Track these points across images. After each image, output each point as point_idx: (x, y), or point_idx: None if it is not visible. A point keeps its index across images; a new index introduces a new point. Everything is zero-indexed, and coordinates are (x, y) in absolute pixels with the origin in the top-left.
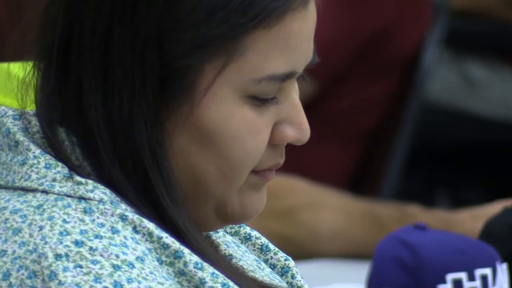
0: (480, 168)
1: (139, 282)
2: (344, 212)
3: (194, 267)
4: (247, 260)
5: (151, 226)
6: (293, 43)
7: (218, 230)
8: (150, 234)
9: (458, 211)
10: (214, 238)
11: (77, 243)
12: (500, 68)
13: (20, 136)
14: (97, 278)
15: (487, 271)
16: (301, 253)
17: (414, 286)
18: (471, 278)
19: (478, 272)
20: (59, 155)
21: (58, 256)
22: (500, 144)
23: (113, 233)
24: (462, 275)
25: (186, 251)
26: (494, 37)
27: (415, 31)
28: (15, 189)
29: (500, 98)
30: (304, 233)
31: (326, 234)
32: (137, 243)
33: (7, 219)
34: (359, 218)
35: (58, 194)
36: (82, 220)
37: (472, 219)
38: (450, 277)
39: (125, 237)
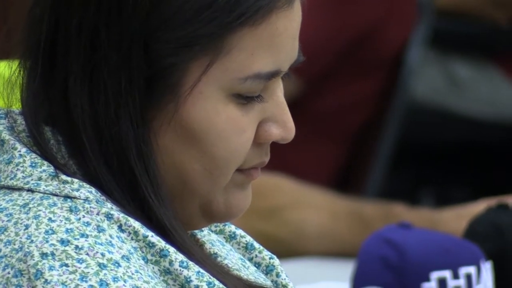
0: (465, 167)
1: (124, 281)
2: (329, 211)
3: (180, 266)
4: (232, 258)
5: (136, 225)
6: (278, 41)
7: (203, 229)
8: (136, 233)
9: (442, 210)
10: (199, 236)
11: (63, 241)
12: (485, 68)
13: (5, 135)
14: (83, 277)
15: (472, 269)
16: (286, 252)
17: (399, 285)
18: (456, 276)
19: (463, 270)
20: (45, 154)
21: (44, 255)
22: (485, 143)
23: (99, 231)
24: (447, 274)
25: (171, 250)
26: (479, 37)
27: (400, 30)
28: (1, 187)
29: (485, 98)
30: (289, 232)
31: (311, 232)
32: (122, 242)
33: None
34: (345, 217)
35: (44, 193)
36: (67, 219)
37: (457, 218)
38: (435, 275)
39: (110, 236)
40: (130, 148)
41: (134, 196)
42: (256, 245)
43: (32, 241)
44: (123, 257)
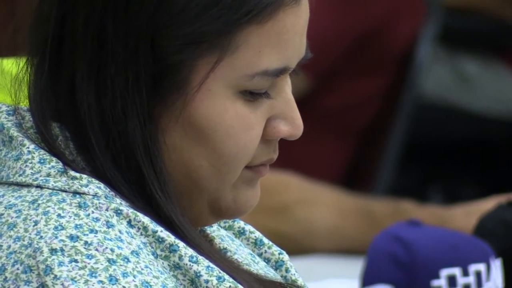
0: (474, 163)
1: (134, 276)
2: (338, 208)
3: (189, 261)
4: (241, 254)
5: (145, 220)
6: (286, 38)
7: (212, 225)
8: (145, 228)
9: (451, 207)
10: (208, 232)
11: (72, 237)
12: (493, 65)
13: (14, 132)
14: (93, 273)
15: (481, 266)
16: (295, 249)
17: (408, 282)
18: (465, 273)
19: (472, 267)
20: (53, 150)
21: (53, 251)
22: (493, 140)
23: (108, 227)
24: (456, 271)
25: (181, 244)
26: (488, 34)
27: (409, 27)
28: (10, 184)
29: (493, 95)
30: (298, 229)
31: (320, 230)
32: (132, 237)
33: (1, 214)
34: (353, 214)
35: (53, 189)
36: (77, 215)
37: (466, 215)
38: (444, 272)
39: (120, 231)
40: (137, 145)
41: (142, 193)
42: (266, 240)
43: (41, 237)
44: (132, 252)
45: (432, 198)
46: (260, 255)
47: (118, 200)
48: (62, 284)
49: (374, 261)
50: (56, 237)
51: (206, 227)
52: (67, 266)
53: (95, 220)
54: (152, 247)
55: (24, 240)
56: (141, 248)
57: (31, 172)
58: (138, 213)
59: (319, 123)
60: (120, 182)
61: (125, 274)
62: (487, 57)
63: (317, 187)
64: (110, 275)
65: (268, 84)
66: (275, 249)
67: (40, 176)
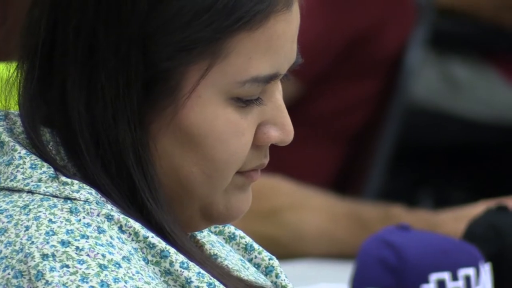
0: (464, 168)
1: (125, 282)
2: (328, 212)
3: (180, 267)
4: (232, 259)
5: (137, 225)
6: (276, 45)
7: (202, 230)
8: (136, 233)
9: (441, 212)
10: (199, 237)
11: (63, 243)
12: (483, 69)
13: (5, 137)
14: (84, 278)
15: (470, 271)
16: (285, 254)
17: (398, 286)
18: (455, 278)
19: (462, 272)
20: (44, 156)
21: (44, 256)
22: (483, 144)
23: (99, 233)
24: (445, 275)
25: (172, 250)
26: (478, 38)
27: (399, 31)
28: (1, 189)
29: (483, 99)
30: (288, 234)
31: (310, 234)
32: (123, 242)
33: None
34: (343, 218)
35: (44, 194)
36: (68, 220)
37: (455, 220)
38: (434, 277)
39: (111, 237)
40: (128, 152)
41: (133, 200)
42: (256, 246)
43: (32, 242)
44: (123, 258)
45: (422, 202)
46: (250, 260)
47: (109, 205)
48: None
49: (364, 265)
50: (48, 243)
51: (196, 233)
52: (59, 271)
53: (86, 225)
54: (143, 253)
55: (15, 245)
56: (132, 254)
57: (23, 177)
58: (129, 219)
59: (309, 128)
60: (110, 189)
61: (116, 280)
62: (477, 62)
63: (307, 192)
64: (102, 281)
65: (259, 90)
66: (265, 254)
67: (32, 181)
